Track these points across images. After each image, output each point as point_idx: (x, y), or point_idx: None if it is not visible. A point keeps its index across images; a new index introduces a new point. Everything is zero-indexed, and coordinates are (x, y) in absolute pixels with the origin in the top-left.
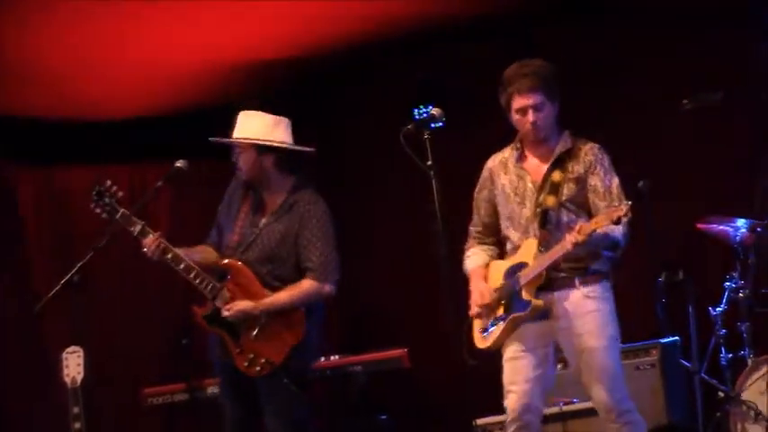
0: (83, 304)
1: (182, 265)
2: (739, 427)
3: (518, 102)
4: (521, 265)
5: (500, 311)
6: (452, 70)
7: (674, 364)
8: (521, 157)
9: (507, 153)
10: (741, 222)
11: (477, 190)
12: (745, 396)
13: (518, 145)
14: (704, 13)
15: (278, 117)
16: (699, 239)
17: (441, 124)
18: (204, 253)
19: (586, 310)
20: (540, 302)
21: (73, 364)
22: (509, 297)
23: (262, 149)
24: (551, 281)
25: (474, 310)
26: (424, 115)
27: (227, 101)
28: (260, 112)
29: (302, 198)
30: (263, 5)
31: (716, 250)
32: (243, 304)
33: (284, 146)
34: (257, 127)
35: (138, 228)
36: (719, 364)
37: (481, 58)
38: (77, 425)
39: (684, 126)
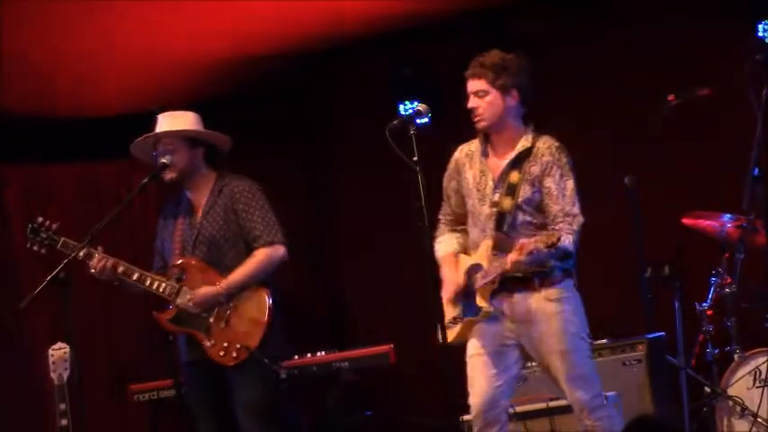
0: (69, 301)
1: (135, 276)
2: (725, 422)
3: (467, 87)
4: (477, 267)
5: (458, 311)
6: (439, 66)
7: (660, 359)
8: (485, 152)
9: (474, 146)
10: (727, 217)
11: (445, 179)
12: (731, 391)
13: (483, 138)
14: (691, 6)
15: (196, 114)
16: (685, 235)
17: (426, 120)
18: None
19: (547, 313)
20: (489, 309)
21: (59, 361)
22: (465, 297)
23: (193, 143)
24: (509, 282)
25: (447, 295)
26: (410, 111)
27: (213, 98)
28: (180, 111)
29: (229, 181)
30: (247, 3)
31: (702, 246)
32: (204, 289)
33: (213, 136)
34: (183, 122)
35: (82, 252)
36: (706, 360)
37: (468, 55)
38: (64, 421)
39: (671, 121)
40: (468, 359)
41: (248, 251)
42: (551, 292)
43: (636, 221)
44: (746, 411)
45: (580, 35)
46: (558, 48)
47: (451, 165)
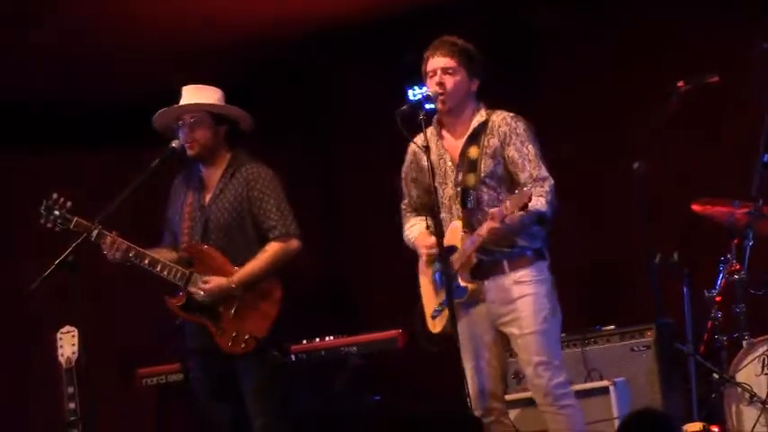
0: (77, 284)
1: (146, 260)
2: (734, 408)
3: (429, 65)
4: (452, 249)
5: (442, 296)
6: None
7: (668, 346)
8: (440, 135)
9: (429, 132)
10: (736, 204)
11: (403, 170)
12: (739, 378)
13: (436, 124)
14: None
15: (221, 91)
16: (694, 222)
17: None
18: (162, 253)
19: (516, 296)
20: (475, 285)
21: (67, 345)
22: (447, 282)
23: (218, 120)
24: (480, 265)
25: (424, 253)
26: (419, 96)
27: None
28: (207, 86)
29: (242, 165)
30: None
31: (711, 232)
32: (216, 280)
33: (240, 113)
34: (210, 98)
35: (94, 233)
36: (714, 347)
37: (474, 39)
38: (72, 405)
39: (680, 107)
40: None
41: (259, 238)
42: (522, 274)
43: (644, 208)
44: (755, 398)
45: (588, 21)
46: (566, 33)
47: (409, 156)
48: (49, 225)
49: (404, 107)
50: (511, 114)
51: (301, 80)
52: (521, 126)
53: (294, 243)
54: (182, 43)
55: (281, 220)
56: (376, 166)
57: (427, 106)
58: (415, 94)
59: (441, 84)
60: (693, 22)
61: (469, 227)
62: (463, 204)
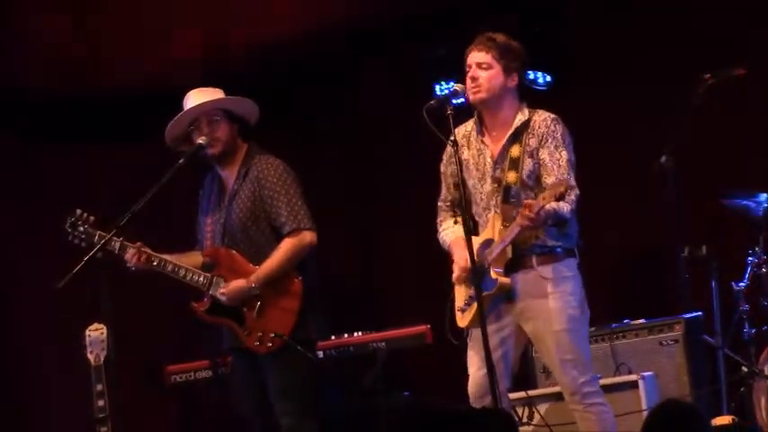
0: (106, 281)
1: (169, 268)
2: (763, 402)
3: (469, 60)
4: (489, 242)
5: (472, 290)
6: None
7: (697, 339)
8: (481, 131)
9: (469, 127)
10: (764, 197)
11: (442, 164)
12: None
13: (476, 118)
14: None
15: (221, 89)
16: (722, 214)
17: (463, 100)
18: (191, 257)
19: (543, 292)
20: (506, 280)
21: (96, 342)
22: (480, 277)
23: (232, 117)
24: (510, 261)
25: (456, 273)
26: (447, 91)
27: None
28: (208, 88)
29: (254, 162)
30: None
31: (739, 225)
32: (234, 284)
33: (249, 104)
34: (218, 96)
35: (117, 245)
36: (742, 340)
37: (503, 33)
38: (101, 402)
39: (707, 100)
40: (469, 340)
41: (277, 235)
42: (550, 269)
43: (672, 202)
44: None
45: (612, 16)
46: (591, 28)
47: (448, 149)
48: (75, 242)
49: (431, 102)
50: (552, 116)
51: (329, 76)
52: (559, 130)
53: (307, 236)
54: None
55: (290, 215)
56: (405, 162)
57: (455, 101)
58: (442, 89)
59: (474, 78)
60: (721, 14)
61: (509, 221)
62: (504, 200)
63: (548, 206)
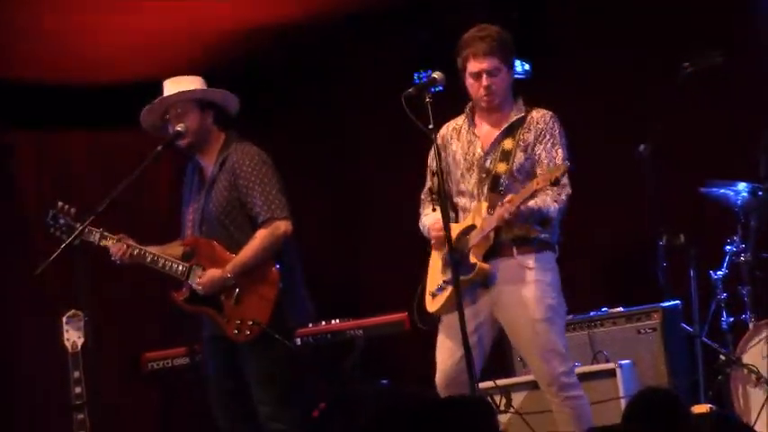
0: (83, 268)
1: (149, 258)
2: (740, 390)
3: (473, 65)
4: (470, 228)
5: (448, 274)
6: (454, 33)
7: (675, 327)
8: (472, 124)
9: (461, 120)
10: (742, 186)
11: (429, 157)
12: (746, 359)
13: (468, 112)
14: None
15: (201, 77)
16: (700, 203)
17: (441, 88)
18: (173, 248)
19: (522, 280)
20: (486, 266)
21: (73, 329)
22: (458, 261)
23: (203, 105)
24: (491, 247)
25: (434, 237)
26: (425, 79)
27: (226, 66)
28: (185, 77)
29: (231, 151)
30: None
31: (717, 214)
32: (210, 273)
33: (223, 96)
34: (191, 86)
35: (97, 236)
36: (720, 328)
37: (482, 21)
38: (78, 389)
39: (686, 89)
40: (440, 327)
41: (254, 225)
42: (529, 259)
43: (651, 190)
44: (762, 379)
45: (589, 2)
46: (572, 14)
47: (437, 141)
48: (57, 234)
49: (410, 90)
50: (550, 114)
51: (308, 62)
52: (557, 127)
53: (281, 226)
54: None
55: (265, 204)
56: (386, 149)
57: (433, 89)
58: (420, 76)
59: (487, 87)
60: (701, 1)
61: (494, 210)
62: (492, 189)
63: (531, 203)
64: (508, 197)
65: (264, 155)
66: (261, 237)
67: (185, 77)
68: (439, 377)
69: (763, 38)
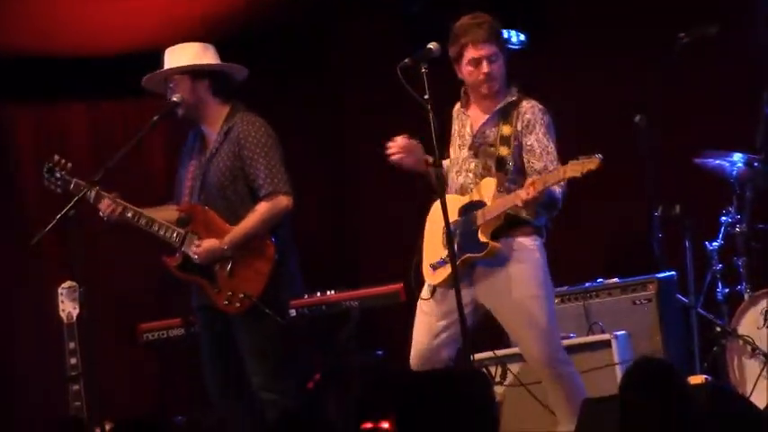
0: (78, 239)
1: (143, 221)
2: (736, 361)
3: (472, 52)
4: (478, 204)
5: (446, 252)
6: (449, 4)
7: (670, 298)
8: (466, 105)
9: (458, 106)
10: (737, 157)
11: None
12: (741, 330)
13: (463, 95)
14: None
15: (204, 43)
16: (695, 174)
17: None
18: (167, 211)
19: (511, 260)
20: (497, 245)
21: (68, 300)
22: (462, 235)
23: (196, 75)
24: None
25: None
26: (421, 50)
27: (224, 34)
28: (185, 44)
29: (236, 121)
30: None
31: (712, 185)
32: (208, 242)
33: (216, 66)
34: (187, 56)
35: (93, 194)
36: (716, 299)
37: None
38: (73, 360)
39: (681, 60)
40: (418, 304)
41: (254, 196)
42: (518, 241)
43: (647, 161)
44: (757, 351)
45: None
46: None
47: (455, 108)
48: (51, 187)
49: (406, 61)
50: (540, 106)
51: (299, 33)
52: (546, 119)
53: (283, 200)
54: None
55: (268, 177)
56: (381, 119)
57: (429, 60)
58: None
59: (488, 73)
60: None
61: (502, 188)
62: (499, 168)
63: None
64: (531, 179)
65: (270, 128)
66: (262, 209)
67: (181, 46)
68: (414, 355)
69: (759, 8)
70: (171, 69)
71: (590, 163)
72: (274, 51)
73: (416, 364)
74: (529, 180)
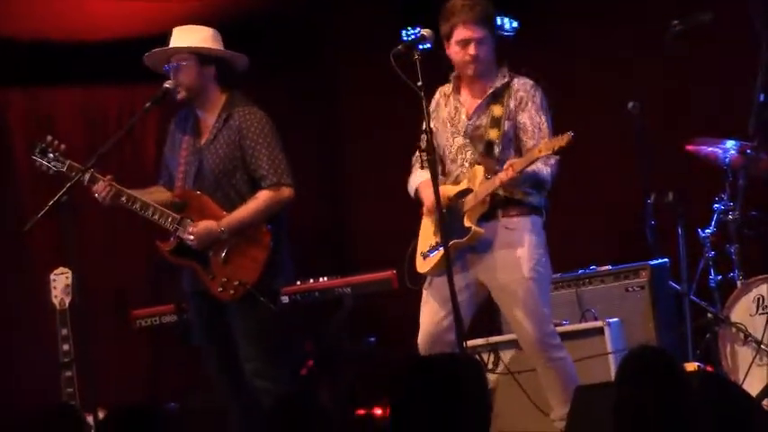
0: (71, 225)
1: (137, 205)
2: (728, 348)
3: (461, 33)
4: (465, 191)
5: (440, 237)
6: None
7: (663, 285)
8: (457, 90)
9: (448, 88)
10: (730, 144)
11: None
12: (733, 318)
13: (454, 80)
14: None
15: (214, 30)
16: (688, 161)
17: (429, 45)
18: (156, 193)
19: (510, 242)
20: (480, 230)
21: (61, 286)
22: (451, 223)
23: (203, 60)
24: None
25: (426, 207)
26: (414, 36)
27: (220, 21)
28: (196, 26)
29: (236, 110)
30: None
31: (705, 172)
32: (204, 224)
33: (226, 53)
34: (197, 38)
35: (87, 177)
36: (708, 286)
37: None
38: (66, 347)
39: (675, 47)
40: (423, 290)
41: (250, 186)
42: (515, 221)
43: (639, 148)
44: (750, 338)
45: None
46: None
47: (432, 105)
48: (43, 168)
49: (399, 47)
50: (531, 83)
51: (296, 18)
52: (538, 95)
53: (285, 192)
54: None
55: (272, 168)
56: (375, 108)
57: (421, 47)
58: (409, 34)
59: (476, 56)
60: None
61: (490, 174)
62: (487, 154)
63: (529, 168)
64: (508, 162)
65: (269, 119)
66: (264, 198)
67: (195, 27)
68: (421, 338)
69: None
70: (181, 48)
71: (560, 140)
72: (269, 42)
73: (424, 348)
74: (508, 162)
